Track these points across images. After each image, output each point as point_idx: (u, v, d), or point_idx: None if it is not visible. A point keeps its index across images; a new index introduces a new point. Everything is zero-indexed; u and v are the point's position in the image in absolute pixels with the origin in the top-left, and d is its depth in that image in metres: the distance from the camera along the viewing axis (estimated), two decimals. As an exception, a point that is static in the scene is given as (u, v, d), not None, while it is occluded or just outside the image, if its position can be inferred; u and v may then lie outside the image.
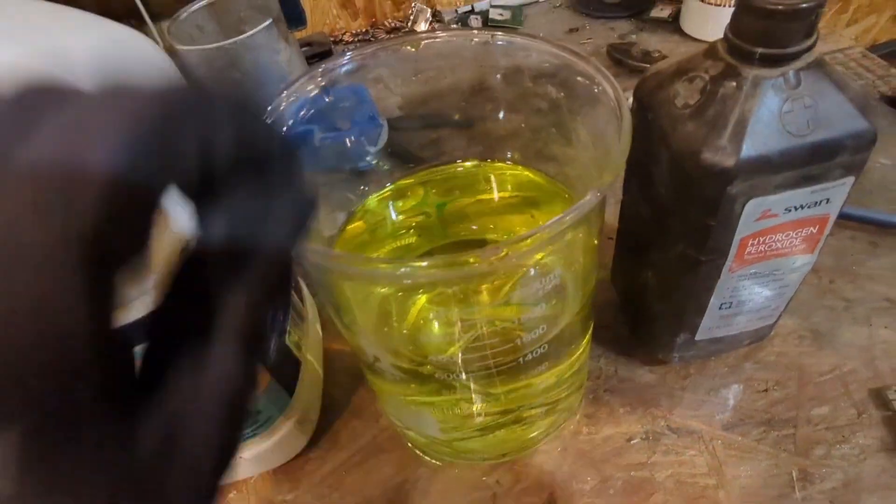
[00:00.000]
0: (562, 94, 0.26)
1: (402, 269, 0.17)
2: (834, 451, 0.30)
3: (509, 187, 0.31)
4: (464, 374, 0.24)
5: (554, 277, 0.21)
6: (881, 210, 0.38)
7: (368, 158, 0.34)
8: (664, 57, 0.55)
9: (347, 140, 0.34)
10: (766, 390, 0.33)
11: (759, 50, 0.21)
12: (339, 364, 0.38)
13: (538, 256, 0.22)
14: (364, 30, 0.69)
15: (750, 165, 0.22)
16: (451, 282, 0.21)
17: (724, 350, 0.33)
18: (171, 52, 0.44)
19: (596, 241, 0.24)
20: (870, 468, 0.29)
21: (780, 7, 0.20)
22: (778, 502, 0.29)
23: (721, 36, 0.23)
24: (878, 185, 0.41)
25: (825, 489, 0.29)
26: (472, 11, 0.67)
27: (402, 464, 0.33)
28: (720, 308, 0.28)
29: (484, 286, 0.24)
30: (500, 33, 0.26)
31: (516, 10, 0.66)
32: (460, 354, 0.23)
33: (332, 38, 0.67)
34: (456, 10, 0.68)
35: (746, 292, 0.28)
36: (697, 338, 0.31)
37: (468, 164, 0.31)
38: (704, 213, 0.24)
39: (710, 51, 0.23)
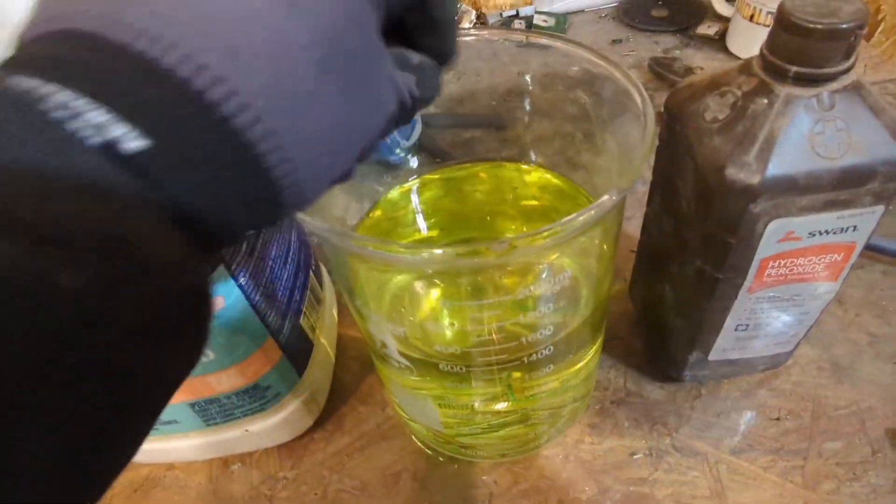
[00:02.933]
0: (592, 100, 0.26)
1: (417, 256, 0.18)
2: (843, 487, 0.29)
3: (533, 190, 0.31)
4: (468, 367, 0.24)
5: (565, 278, 0.21)
6: (918, 247, 0.37)
7: (399, 152, 0.35)
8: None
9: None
10: (778, 419, 0.32)
11: (794, 68, 0.21)
12: (352, 351, 0.39)
13: (552, 256, 0.22)
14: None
15: (775, 184, 0.21)
16: (461, 272, 0.21)
17: (738, 373, 0.33)
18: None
19: (611, 247, 0.23)
20: (879, 509, 0.28)
21: (818, 26, 0.19)
22: (779, 533, 0.28)
23: (759, 53, 0.23)
24: (917, 220, 0.40)
25: (830, 525, 0.28)
26: (516, 16, 0.68)
27: (403, 454, 0.33)
28: (736, 329, 0.28)
29: (494, 281, 0.24)
30: (534, 34, 0.26)
31: (560, 18, 0.66)
32: (464, 348, 0.23)
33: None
34: (500, 14, 0.69)
35: (764, 315, 0.27)
36: (711, 357, 0.30)
37: (494, 164, 0.31)
38: (725, 230, 0.23)
39: (745, 66, 0.23)
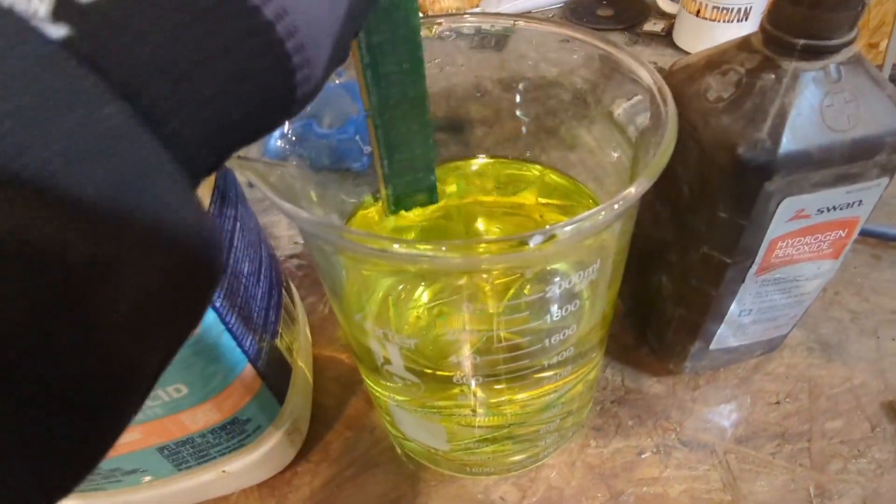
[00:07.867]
0: (588, 86, 0.25)
1: (421, 250, 0.15)
2: (850, 465, 0.29)
3: (530, 187, 0.29)
4: (475, 379, 0.22)
5: (578, 280, 0.20)
6: (883, 224, 0.38)
7: (364, 159, 0.32)
8: (660, 69, 0.55)
9: (341, 139, 0.32)
10: (777, 402, 0.32)
11: (802, 41, 0.20)
12: (329, 372, 0.36)
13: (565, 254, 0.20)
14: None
15: (789, 161, 0.21)
16: (483, 272, 0.19)
17: (735, 360, 0.32)
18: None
19: (625, 245, 0.22)
20: (888, 484, 0.28)
21: (827, -5, 0.19)
22: (796, 519, 0.27)
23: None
24: (875, 199, 0.41)
25: (844, 505, 0.28)
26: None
27: (400, 479, 0.31)
28: (739, 315, 0.27)
29: (493, 285, 0.22)
30: (521, 21, 0.25)
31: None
32: (471, 358, 0.21)
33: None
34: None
35: (768, 298, 0.27)
36: (712, 347, 0.29)
37: (487, 160, 0.30)
38: (737, 211, 0.23)
39: (744, 44, 0.22)
